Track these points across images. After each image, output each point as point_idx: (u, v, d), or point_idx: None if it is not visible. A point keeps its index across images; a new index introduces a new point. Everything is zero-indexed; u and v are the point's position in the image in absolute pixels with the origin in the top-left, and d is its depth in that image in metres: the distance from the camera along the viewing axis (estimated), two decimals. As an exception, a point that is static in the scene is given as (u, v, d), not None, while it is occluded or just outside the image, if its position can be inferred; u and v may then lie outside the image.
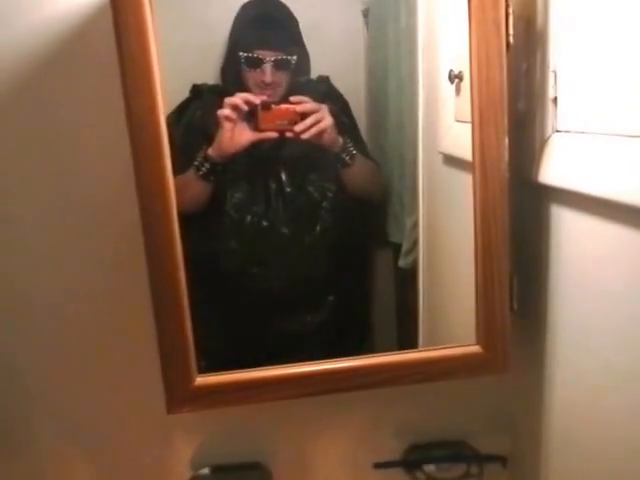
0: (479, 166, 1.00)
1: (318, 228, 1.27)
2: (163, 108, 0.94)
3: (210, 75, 1.20)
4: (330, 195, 1.28)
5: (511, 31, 0.96)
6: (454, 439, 1.29)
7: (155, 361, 1.02)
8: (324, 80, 1.22)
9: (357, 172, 1.26)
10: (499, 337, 1.06)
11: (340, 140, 1.21)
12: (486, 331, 1.06)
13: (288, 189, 1.26)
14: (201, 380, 1.05)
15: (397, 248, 1.36)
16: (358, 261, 1.39)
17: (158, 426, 1.23)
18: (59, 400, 1.23)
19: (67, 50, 1.05)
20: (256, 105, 1.14)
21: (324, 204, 1.28)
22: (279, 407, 1.10)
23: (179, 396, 1.04)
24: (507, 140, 0.99)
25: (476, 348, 1.07)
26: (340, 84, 1.23)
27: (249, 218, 1.24)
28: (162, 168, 0.95)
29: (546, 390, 1.11)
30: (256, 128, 1.14)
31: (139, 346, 1.12)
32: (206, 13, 1.17)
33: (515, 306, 1.06)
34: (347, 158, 1.23)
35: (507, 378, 1.11)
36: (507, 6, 0.95)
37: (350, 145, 1.23)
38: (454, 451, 1.27)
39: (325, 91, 1.22)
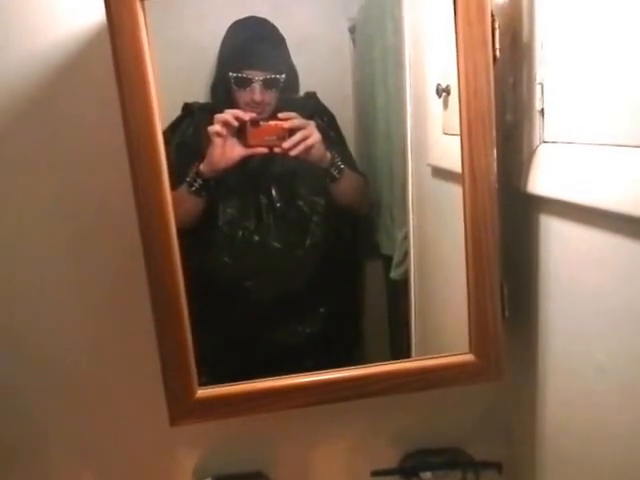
0: (468, 177, 1.02)
1: (308, 241, 1.28)
2: (160, 127, 0.97)
3: (201, 94, 1.21)
4: (320, 209, 1.28)
5: (497, 45, 0.98)
6: (450, 446, 1.30)
7: (158, 374, 1.04)
8: (311, 96, 1.23)
9: (345, 186, 1.27)
10: (492, 345, 1.07)
11: (328, 155, 1.22)
12: (479, 339, 1.08)
13: (278, 204, 1.26)
14: (202, 393, 1.07)
15: (388, 260, 1.36)
16: (349, 273, 1.39)
17: (162, 437, 1.24)
18: (63, 415, 1.25)
19: (69, 74, 1.09)
20: (245, 121, 1.15)
21: (314, 218, 1.28)
22: (279, 417, 1.12)
23: (181, 409, 1.06)
24: (495, 151, 1.00)
25: (469, 357, 1.09)
26: (328, 99, 1.24)
27: (241, 233, 1.25)
28: (160, 183, 0.98)
29: (540, 396, 1.12)
30: (245, 144, 1.16)
31: (142, 360, 1.13)
32: (196, 34, 1.19)
33: (507, 314, 1.08)
34: (335, 172, 1.24)
35: (501, 385, 1.12)
36: (493, 21, 0.97)
37: (338, 160, 1.24)
38: (450, 458, 1.28)
39: (313, 107, 1.23)
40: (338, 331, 1.37)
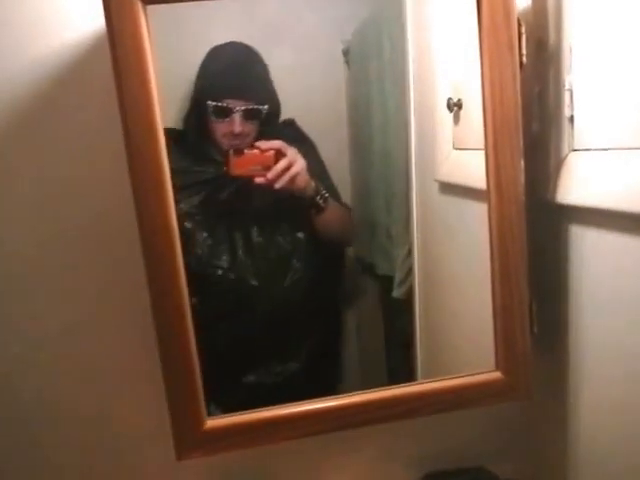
0: (494, 189, 0.99)
1: (289, 279, 1.23)
2: (163, 136, 0.92)
3: (172, 122, 1.13)
4: (301, 245, 1.24)
5: (524, 51, 0.96)
6: (472, 465, 1.25)
7: (163, 406, 0.99)
8: (289, 123, 1.18)
9: (330, 217, 1.22)
10: (521, 362, 1.04)
11: (313, 184, 1.18)
12: (507, 356, 1.05)
13: (256, 240, 1.21)
14: (211, 423, 1.01)
15: (385, 280, 1.34)
16: (333, 306, 1.34)
17: (166, 472, 1.18)
18: (67, 448, 1.18)
19: (67, 85, 1.05)
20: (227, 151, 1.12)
21: (295, 254, 1.23)
22: (291, 447, 1.07)
23: (189, 441, 1.00)
24: (523, 162, 0.98)
25: (497, 374, 1.05)
26: (322, 122, 1.22)
27: (214, 271, 1.19)
28: (163, 198, 0.92)
29: (570, 415, 1.09)
30: (228, 173, 1.11)
31: (146, 391, 1.09)
32: (172, 58, 1.13)
33: (535, 330, 1.05)
34: (321, 202, 1.20)
35: (529, 403, 1.09)
36: (519, 26, 0.95)
37: (322, 188, 1.20)
38: (473, 478, 1.23)
39: (292, 135, 1.18)
40: (323, 365, 1.33)
